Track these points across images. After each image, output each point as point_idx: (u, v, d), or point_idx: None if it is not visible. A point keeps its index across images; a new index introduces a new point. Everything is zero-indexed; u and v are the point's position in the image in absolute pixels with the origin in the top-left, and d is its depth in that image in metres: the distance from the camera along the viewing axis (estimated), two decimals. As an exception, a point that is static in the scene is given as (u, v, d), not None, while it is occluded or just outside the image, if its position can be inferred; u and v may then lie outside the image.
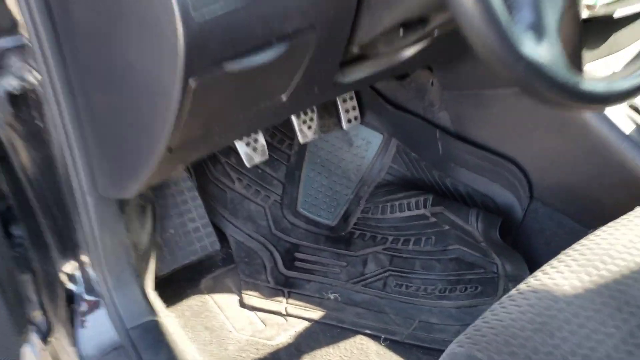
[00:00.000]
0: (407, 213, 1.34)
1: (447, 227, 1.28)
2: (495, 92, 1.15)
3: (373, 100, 1.46)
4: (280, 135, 1.49)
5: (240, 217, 1.40)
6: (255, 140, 1.31)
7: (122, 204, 0.99)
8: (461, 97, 1.24)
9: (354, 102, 1.43)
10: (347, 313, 1.22)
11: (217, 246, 1.30)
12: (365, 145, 1.50)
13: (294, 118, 1.30)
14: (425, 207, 1.30)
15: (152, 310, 1.04)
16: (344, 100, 1.45)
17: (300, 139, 1.33)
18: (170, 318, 1.12)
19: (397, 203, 1.36)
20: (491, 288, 1.19)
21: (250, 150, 1.30)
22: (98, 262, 0.99)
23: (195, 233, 1.29)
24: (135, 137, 0.80)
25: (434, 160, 1.37)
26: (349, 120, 1.43)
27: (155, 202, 1.22)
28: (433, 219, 1.30)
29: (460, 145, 1.28)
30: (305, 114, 1.37)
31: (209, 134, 0.83)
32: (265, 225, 1.40)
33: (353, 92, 1.45)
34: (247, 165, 1.27)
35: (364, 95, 1.45)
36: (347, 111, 1.45)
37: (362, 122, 1.46)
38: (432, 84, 1.31)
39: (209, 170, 1.42)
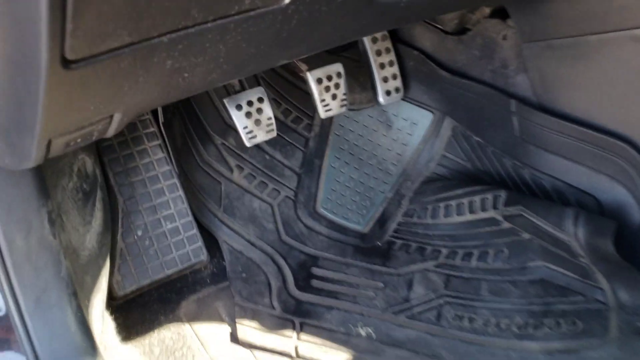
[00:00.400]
0: (468, 217, 1.15)
1: (527, 236, 1.08)
2: (602, 39, 0.95)
3: (420, 66, 1.27)
4: (295, 112, 1.29)
5: (239, 217, 1.20)
6: (259, 111, 1.10)
7: (43, 185, 0.77)
8: (549, 50, 1.03)
9: (395, 69, 1.27)
10: (386, 356, 1.05)
11: (204, 256, 1.12)
12: (409, 127, 1.31)
13: (313, 84, 1.12)
14: (495, 207, 1.11)
15: (90, 347, 0.80)
16: (382, 66, 1.26)
17: (322, 113, 1.15)
18: (128, 357, 0.93)
19: (453, 203, 1.17)
20: (597, 323, 0.97)
21: (252, 124, 1.10)
22: (4, 273, 0.75)
23: (173, 237, 1.09)
24: (12, 45, 0.47)
25: (507, 144, 1.19)
26: (388, 93, 1.27)
27: (116, 189, 1.03)
28: (507, 224, 1.11)
29: (546, 121, 1.09)
30: (329, 78, 1.16)
31: (150, 47, 0.50)
32: (273, 229, 1.21)
33: (394, 55, 1.27)
34: (247, 144, 1.09)
35: (408, 59, 1.27)
36: (385, 80, 1.26)
37: (405, 97, 1.29)
38: (504, 37, 1.13)
39: (198, 152, 1.21)
